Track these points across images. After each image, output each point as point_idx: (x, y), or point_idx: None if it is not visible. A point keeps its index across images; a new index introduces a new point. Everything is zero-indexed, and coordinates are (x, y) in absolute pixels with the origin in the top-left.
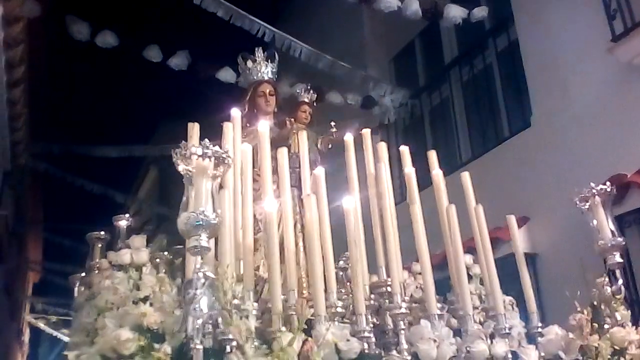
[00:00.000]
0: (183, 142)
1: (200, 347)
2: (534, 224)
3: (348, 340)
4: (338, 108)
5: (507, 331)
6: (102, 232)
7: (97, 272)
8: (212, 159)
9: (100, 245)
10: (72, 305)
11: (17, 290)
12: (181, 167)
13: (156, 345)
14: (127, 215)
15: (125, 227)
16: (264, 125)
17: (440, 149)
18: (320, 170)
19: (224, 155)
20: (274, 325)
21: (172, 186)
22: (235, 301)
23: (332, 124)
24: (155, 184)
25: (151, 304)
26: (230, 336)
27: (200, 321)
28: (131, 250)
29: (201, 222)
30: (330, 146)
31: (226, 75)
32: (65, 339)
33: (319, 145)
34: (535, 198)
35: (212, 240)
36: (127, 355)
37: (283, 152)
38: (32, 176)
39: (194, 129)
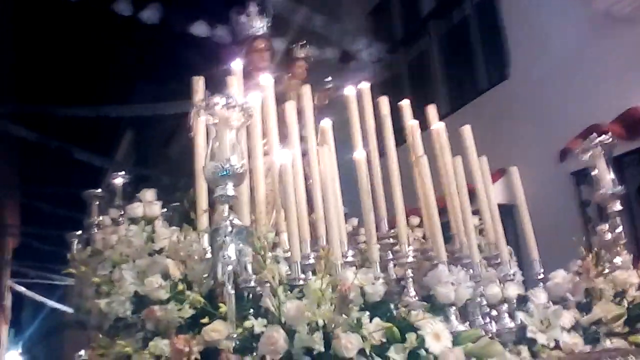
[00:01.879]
0: (206, 92)
1: (232, 292)
2: (512, 175)
3: (373, 283)
4: (314, 63)
5: (512, 277)
6: (100, 190)
7: (97, 229)
8: (236, 108)
9: (97, 203)
10: (55, 268)
11: None
12: (204, 118)
13: (187, 292)
14: (123, 172)
15: (121, 184)
16: (267, 78)
17: (419, 103)
18: (327, 123)
19: (247, 105)
20: (293, 273)
21: (148, 148)
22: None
23: (329, 79)
24: (132, 146)
25: (167, 256)
26: (264, 280)
27: (230, 267)
28: (143, 203)
29: (227, 172)
30: (326, 101)
31: (200, 29)
32: (49, 302)
33: (315, 101)
34: (513, 150)
35: None
36: (162, 300)
37: (290, 105)
38: (5, 139)
39: (199, 82)
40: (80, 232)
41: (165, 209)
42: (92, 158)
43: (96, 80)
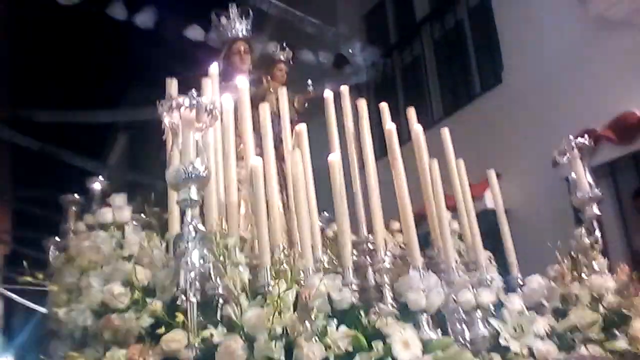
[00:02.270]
0: (168, 94)
1: (194, 300)
2: (505, 180)
3: (340, 290)
4: (309, 67)
5: (489, 283)
6: (76, 195)
7: (72, 235)
8: (199, 110)
9: (74, 209)
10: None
11: None
12: (166, 120)
13: (148, 300)
14: (100, 177)
15: (99, 189)
16: (243, 81)
17: (412, 107)
18: (302, 126)
19: (210, 106)
20: (262, 279)
21: (141, 152)
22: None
23: (309, 82)
24: (125, 151)
25: (136, 262)
26: (222, 289)
27: (192, 274)
28: (113, 208)
29: (190, 175)
30: (306, 105)
31: (194, 33)
32: (41, 309)
33: (295, 104)
34: (507, 154)
35: None
36: (121, 309)
37: (265, 107)
38: None
39: (172, 84)
40: (57, 238)
41: (143, 214)
42: (85, 163)
43: (89, 85)
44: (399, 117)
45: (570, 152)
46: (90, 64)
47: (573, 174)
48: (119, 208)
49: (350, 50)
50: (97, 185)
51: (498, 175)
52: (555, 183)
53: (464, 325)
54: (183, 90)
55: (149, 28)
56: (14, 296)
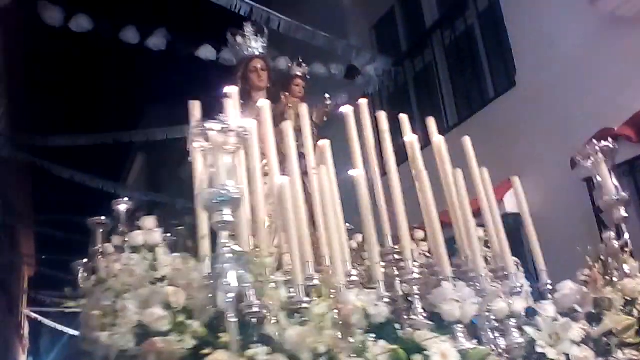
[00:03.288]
0: (197, 119)
1: (234, 320)
2: (522, 183)
3: (376, 305)
4: (321, 79)
5: (519, 290)
6: (103, 218)
7: (101, 257)
8: (229, 133)
9: (101, 231)
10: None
11: (13, 285)
12: (197, 144)
13: (188, 322)
14: (125, 199)
15: (125, 210)
16: (264, 101)
17: (426, 115)
18: (325, 142)
19: (241, 130)
20: (296, 296)
21: (159, 172)
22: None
23: (327, 96)
24: (143, 171)
25: (170, 284)
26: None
27: (231, 295)
28: (143, 231)
29: (224, 197)
30: (325, 119)
31: (206, 52)
32: (67, 330)
33: (314, 118)
34: (524, 158)
35: None
36: (163, 331)
37: (287, 125)
38: (17, 169)
39: (196, 107)
40: (85, 260)
41: (169, 234)
42: (104, 184)
43: (106, 107)
44: (413, 125)
45: (595, 155)
46: (106, 87)
47: (598, 177)
48: (149, 230)
49: (361, 62)
50: (122, 207)
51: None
52: (574, 185)
53: (496, 334)
54: (202, 111)
55: (161, 50)
56: (41, 318)
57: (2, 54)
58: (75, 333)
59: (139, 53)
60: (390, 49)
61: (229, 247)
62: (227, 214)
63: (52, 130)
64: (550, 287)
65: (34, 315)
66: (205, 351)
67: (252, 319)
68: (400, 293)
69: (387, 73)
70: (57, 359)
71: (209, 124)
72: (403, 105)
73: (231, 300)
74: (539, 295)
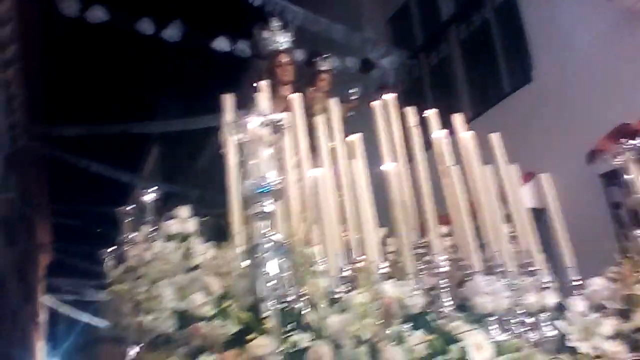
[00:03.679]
0: (238, 112)
1: (274, 307)
2: (543, 182)
3: (412, 296)
4: (336, 73)
5: (548, 285)
6: (130, 207)
7: (129, 245)
8: (268, 125)
9: (128, 220)
10: (87, 284)
11: (30, 273)
12: (237, 137)
13: (231, 308)
14: (152, 188)
15: (151, 201)
16: (295, 95)
17: (441, 109)
18: (356, 136)
19: (279, 122)
20: (330, 287)
21: (175, 163)
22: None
23: (351, 90)
24: (159, 161)
25: (205, 272)
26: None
27: (272, 283)
28: (178, 220)
29: (265, 189)
30: (350, 113)
31: (221, 44)
32: (83, 318)
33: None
34: (540, 153)
35: None
36: (207, 317)
37: (319, 119)
38: (34, 158)
39: (229, 100)
40: (112, 248)
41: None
42: (120, 174)
43: (122, 97)
44: (427, 119)
45: (625, 153)
46: (122, 77)
47: (627, 175)
48: (184, 220)
49: (377, 55)
50: (148, 197)
51: (531, 174)
52: (590, 181)
53: (527, 328)
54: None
55: (177, 41)
56: (58, 305)
57: (19, 44)
58: (91, 320)
59: (154, 44)
60: (406, 42)
61: (268, 237)
62: (267, 205)
63: (69, 121)
64: (576, 282)
65: (50, 303)
66: (251, 336)
67: (293, 307)
68: (425, 286)
69: (402, 67)
70: (73, 345)
71: (248, 118)
72: (418, 99)
73: (271, 288)
74: (563, 290)
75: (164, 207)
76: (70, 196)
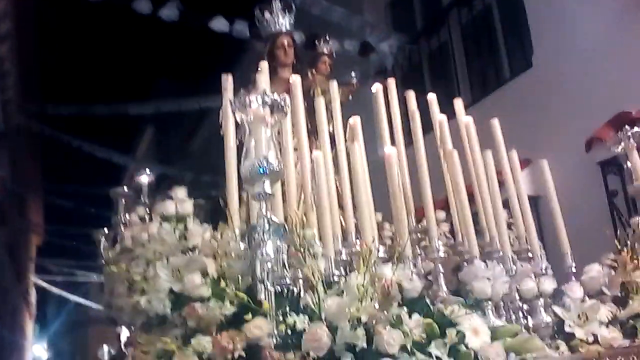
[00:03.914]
0: (241, 91)
1: (271, 289)
2: (536, 166)
3: (411, 279)
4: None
5: (544, 271)
6: (126, 188)
7: (125, 227)
8: (270, 106)
9: (124, 201)
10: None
11: (21, 253)
12: (238, 117)
13: (228, 289)
14: (147, 170)
15: (146, 182)
16: (295, 77)
17: (440, 94)
18: (356, 119)
19: (282, 103)
20: (327, 270)
21: (169, 145)
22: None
23: (353, 74)
24: (153, 143)
25: (202, 253)
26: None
27: (269, 265)
28: (174, 201)
29: (265, 170)
30: (350, 97)
31: (219, 24)
32: (73, 298)
33: (339, 96)
34: (538, 140)
35: None
36: (202, 298)
37: (319, 101)
38: (27, 137)
39: (228, 80)
40: (106, 229)
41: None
42: (113, 155)
43: (117, 77)
44: (426, 104)
45: (626, 141)
46: (118, 57)
47: (628, 163)
48: (181, 200)
49: (376, 39)
50: (144, 179)
51: (528, 161)
52: (588, 168)
53: (523, 313)
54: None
55: (174, 21)
56: (48, 285)
57: (14, 22)
58: (81, 301)
59: (151, 24)
60: (406, 26)
61: (267, 217)
62: (267, 186)
63: (63, 100)
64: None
65: (41, 283)
66: (247, 317)
67: (291, 289)
68: (422, 272)
69: (402, 51)
70: (63, 326)
71: (250, 97)
72: (416, 84)
73: (269, 270)
74: (559, 277)
75: (158, 189)
76: (62, 176)
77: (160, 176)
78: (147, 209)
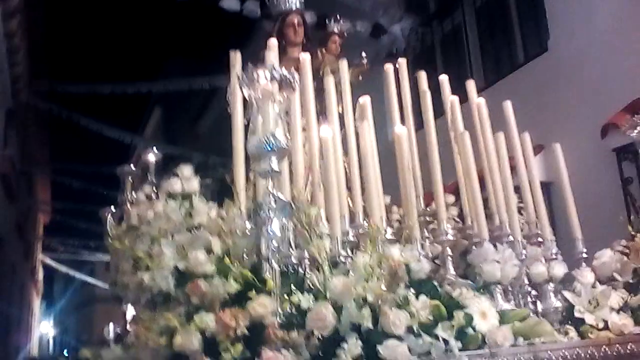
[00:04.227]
0: (249, 65)
1: (277, 267)
2: (549, 152)
3: (419, 260)
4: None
5: (556, 256)
6: (133, 167)
7: (131, 205)
8: (279, 82)
9: (131, 180)
10: (84, 244)
11: (29, 231)
12: (246, 92)
13: (232, 266)
14: (154, 148)
15: (153, 161)
16: (305, 55)
17: (452, 77)
18: (366, 98)
19: (290, 79)
20: (334, 250)
21: (177, 125)
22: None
23: (363, 54)
24: (161, 123)
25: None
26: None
27: (274, 243)
28: (181, 178)
29: (272, 146)
30: (360, 77)
31: (230, 3)
32: (79, 276)
33: (349, 76)
34: (552, 126)
35: None
36: (207, 274)
37: (329, 80)
38: (35, 115)
39: (237, 57)
40: (113, 207)
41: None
42: (121, 135)
43: (126, 56)
44: (438, 87)
45: (639, 128)
46: (126, 36)
47: None
48: (187, 179)
49: (388, 20)
50: (151, 157)
51: (541, 147)
52: (603, 155)
53: (532, 298)
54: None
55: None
56: (55, 264)
57: None
58: (87, 279)
59: (162, 2)
60: (419, 8)
61: (273, 195)
62: (274, 163)
63: (72, 78)
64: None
65: (48, 261)
66: (251, 294)
67: (296, 267)
68: (430, 254)
69: (414, 33)
70: (69, 303)
71: (258, 72)
72: (428, 67)
73: (274, 247)
74: (570, 263)
75: (166, 169)
76: (71, 155)
77: (169, 157)
78: (154, 188)
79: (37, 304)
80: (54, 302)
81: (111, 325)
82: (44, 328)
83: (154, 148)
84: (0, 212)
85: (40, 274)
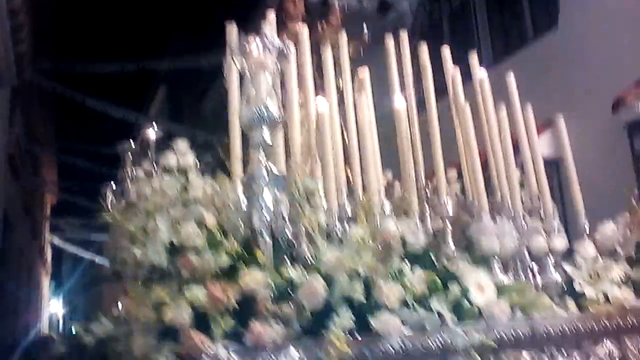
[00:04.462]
0: (242, 35)
1: (269, 240)
2: (557, 129)
3: (415, 233)
4: (351, 12)
5: (557, 230)
6: (133, 144)
7: (130, 181)
8: (272, 50)
9: (131, 157)
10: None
11: (36, 210)
12: (239, 63)
13: (223, 239)
14: (154, 125)
15: (153, 138)
16: (302, 25)
17: (460, 53)
18: (365, 71)
19: (284, 48)
20: (329, 222)
21: (182, 104)
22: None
23: (365, 28)
24: (166, 102)
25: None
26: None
27: (267, 215)
28: (177, 153)
29: (264, 117)
30: (361, 52)
31: None
32: (87, 255)
33: (350, 50)
34: (562, 101)
35: None
36: (198, 248)
37: (327, 52)
38: (40, 94)
39: (233, 29)
40: (114, 184)
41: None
42: (126, 114)
43: (131, 35)
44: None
45: None
46: (130, 13)
47: None
48: (183, 153)
49: None
50: (151, 134)
51: (550, 122)
52: (614, 130)
53: (531, 271)
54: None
55: None
56: (63, 243)
57: None
58: (95, 258)
59: None
60: None
61: (266, 167)
62: (266, 134)
63: (76, 56)
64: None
65: (56, 241)
66: (242, 266)
67: (288, 240)
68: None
69: (421, 9)
70: (77, 283)
71: (250, 41)
72: (436, 43)
73: (266, 220)
74: (576, 237)
75: (169, 148)
76: (76, 135)
77: (172, 136)
78: (154, 165)
79: (46, 283)
80: (62, 281)
81: (119, 303)
82: (53, 307)
83: (154, 125)
84: (7, 192)
85: (48, 254)
